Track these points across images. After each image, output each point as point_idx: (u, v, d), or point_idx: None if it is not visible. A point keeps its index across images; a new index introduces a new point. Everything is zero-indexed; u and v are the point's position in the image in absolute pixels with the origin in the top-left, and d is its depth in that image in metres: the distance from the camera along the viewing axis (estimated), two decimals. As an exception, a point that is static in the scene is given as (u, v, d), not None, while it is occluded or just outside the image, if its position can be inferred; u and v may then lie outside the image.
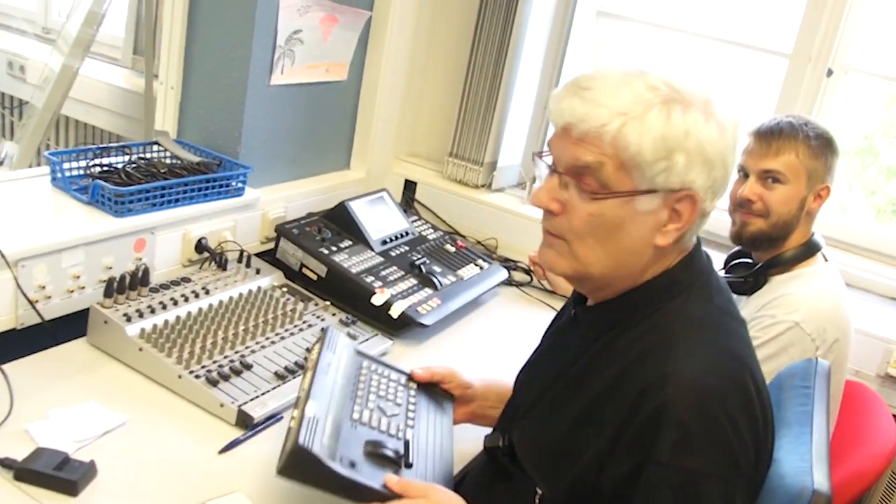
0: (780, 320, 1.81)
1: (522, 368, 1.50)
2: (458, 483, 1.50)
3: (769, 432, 1.23)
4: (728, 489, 1.10)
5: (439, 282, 2.15)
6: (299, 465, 1.22)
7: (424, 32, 2.68)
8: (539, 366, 1.45)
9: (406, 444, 1.41)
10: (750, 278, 1.94)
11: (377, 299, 2.00)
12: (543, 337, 1.52)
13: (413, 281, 2.12)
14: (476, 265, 2.34)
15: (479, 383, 1.64)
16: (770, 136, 1.89)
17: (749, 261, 1.99)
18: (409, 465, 1.37)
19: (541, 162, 1.24)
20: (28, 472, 1.37)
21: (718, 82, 2.70)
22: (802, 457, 1.25)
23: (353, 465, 1.28)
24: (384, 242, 2.23)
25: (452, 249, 2.37)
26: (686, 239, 1.24)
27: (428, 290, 2.11)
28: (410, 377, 1.62)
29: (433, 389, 1.63)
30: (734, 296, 1.96)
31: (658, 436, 1.09)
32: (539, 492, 1.24)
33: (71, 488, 1.36)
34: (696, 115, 1.15)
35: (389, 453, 1.35)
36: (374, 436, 1.40)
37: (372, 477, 1.28)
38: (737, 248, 2.03)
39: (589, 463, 1.16)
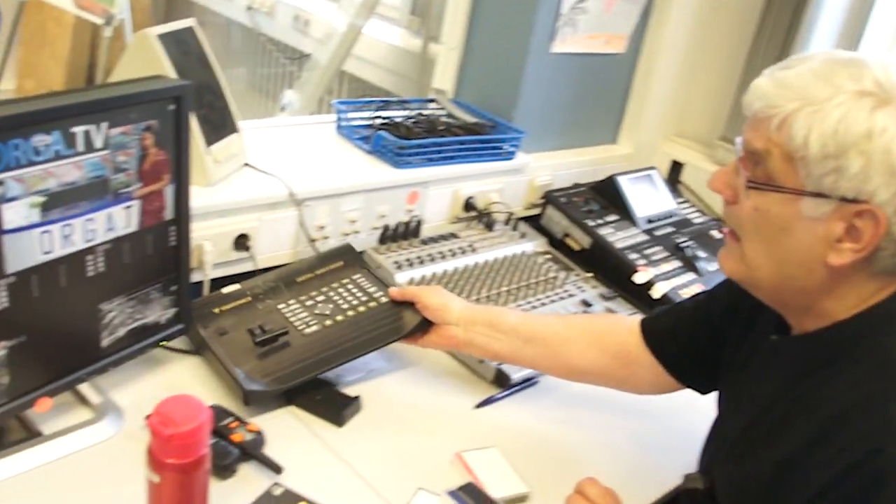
0: None
1: (721, 393, 1.36)
2: None
3: None
4: None
5: (703, 267, 2.07)
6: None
7: (708, 10, 2.58)
8: (738, 398, 1.28)
9: (282, 330, 1.50)
10: None
11: (639, 277, 1.95)
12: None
13: (676, 263, 2.06)
14: (741, 255, 2.24)
15: (461, 306, 1.53)
16: None
17: None
18: (262, 344, 1.47)
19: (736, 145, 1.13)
20: (300, 397, 1.45)
21: None
22: None
23: (221, 333, 1.49)
24: (649, 221, 2.18)
25: (718, 236, 2.28)
26: (881, 266, 1.04)
27: (691, 275, 2.04)
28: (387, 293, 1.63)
29: (411, 309, 1.57)
30: None
31: (877, 501, 0.95)
32: None
33: (338, 419, 1.42)
34: (888, 115, 0.97)
35: (256, 331, 1.49)
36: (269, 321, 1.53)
37: (226, 342, 1.48)
38: None
39: None
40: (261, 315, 1.55)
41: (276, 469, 1.29)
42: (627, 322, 1.53)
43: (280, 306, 1.57)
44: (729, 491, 1.18)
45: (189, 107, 1.28)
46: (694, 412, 1.43)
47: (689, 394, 1.45)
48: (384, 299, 1.61)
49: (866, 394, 1.02)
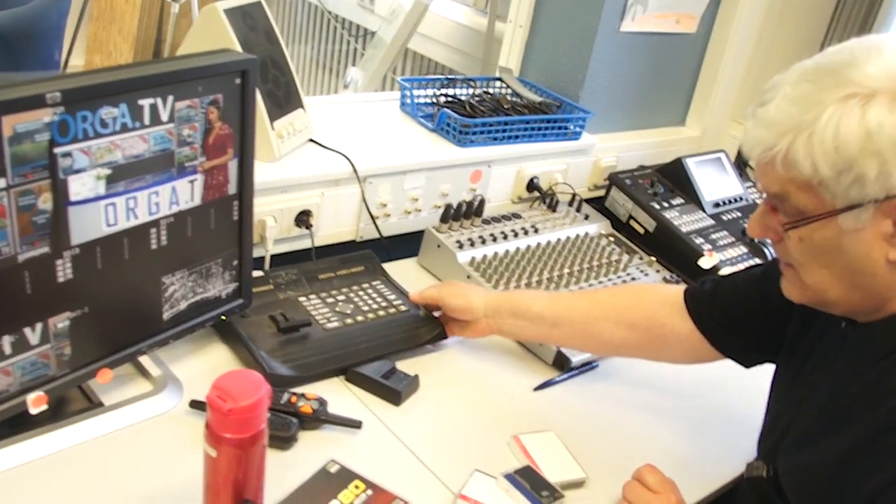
0: None
1: (782, 378, 1.33)
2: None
3: None
4: None
5: (770, 253, 2.02)
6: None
7: (783, -8, 2.52)
8: (803, 385, 1.25)
9: (305, 321, 1.50)
10: None
11: (705, 262, 1.91)
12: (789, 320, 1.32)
13: (743, 249, 2.01)
14: (810, 242, 2.18)
15: (484, 300, 1.54)
16: None
17: None
18: (285, 331, 1.47)
19: None
20: (358, 375, 1.44)
21: None
22: None
23: (243, 316, 1.48)
24: (717, 205, 2.13)
25: (787, 222, 2.23)
26: None
27: (757, 260, 1.99)
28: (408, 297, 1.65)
29: (430, 318, 1.60)
30: None
31: None
32: None
33: (395, 397, 1.42)
34: (879, 108, 0.94)
35: (279, 318, 1.49)
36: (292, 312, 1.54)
37: (247, 325, 1.47)
38: None
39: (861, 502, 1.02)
40: (282, 304, 1.55)
41: (357, 425, 1.33)
42: (661, 292, 1.52)
43: (301, 299, 1.58)
44: (795, 479, 1.16)
45: (255, 81, 1.27)
46: (754, 394, 1.38)
47: (751, 376, 1.42)
48: (404, 307, 1.62)
49: None
